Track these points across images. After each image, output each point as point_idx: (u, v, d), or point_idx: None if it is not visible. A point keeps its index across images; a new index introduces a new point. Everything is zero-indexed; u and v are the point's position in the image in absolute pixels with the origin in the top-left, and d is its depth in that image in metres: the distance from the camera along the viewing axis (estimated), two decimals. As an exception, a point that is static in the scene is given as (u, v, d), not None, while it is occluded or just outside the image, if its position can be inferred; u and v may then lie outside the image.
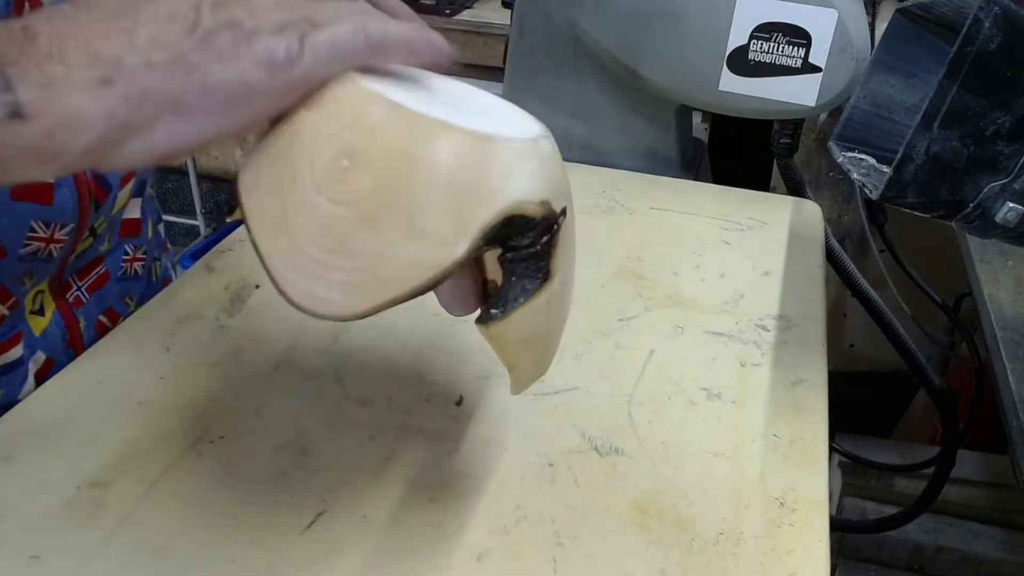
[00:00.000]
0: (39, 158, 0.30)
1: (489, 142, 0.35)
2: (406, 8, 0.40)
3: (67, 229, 0.54)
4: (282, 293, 0.35)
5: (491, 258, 0.39)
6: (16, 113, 0.29)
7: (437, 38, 0.37)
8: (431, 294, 0.37)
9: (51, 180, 0.32)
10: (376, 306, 0.35)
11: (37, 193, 0.51)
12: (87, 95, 0.30)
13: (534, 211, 0.35)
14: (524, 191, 0.35)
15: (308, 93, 0.34)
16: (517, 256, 0.37)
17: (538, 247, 0.36)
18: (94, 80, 0.30)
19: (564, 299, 0.40)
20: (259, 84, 0.32)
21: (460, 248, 0.34)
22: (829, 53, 0.73)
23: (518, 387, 0.40)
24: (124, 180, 0.59)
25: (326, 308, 0.35)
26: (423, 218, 0.34)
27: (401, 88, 0.36)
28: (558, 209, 0.36)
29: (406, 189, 0.34)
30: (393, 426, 0.50)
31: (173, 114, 0.31)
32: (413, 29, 0.36)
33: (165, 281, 0.69)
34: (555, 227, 0.37)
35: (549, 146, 0.37)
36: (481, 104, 0.39)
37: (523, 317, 0.37)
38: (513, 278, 0.37)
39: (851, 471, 1.45)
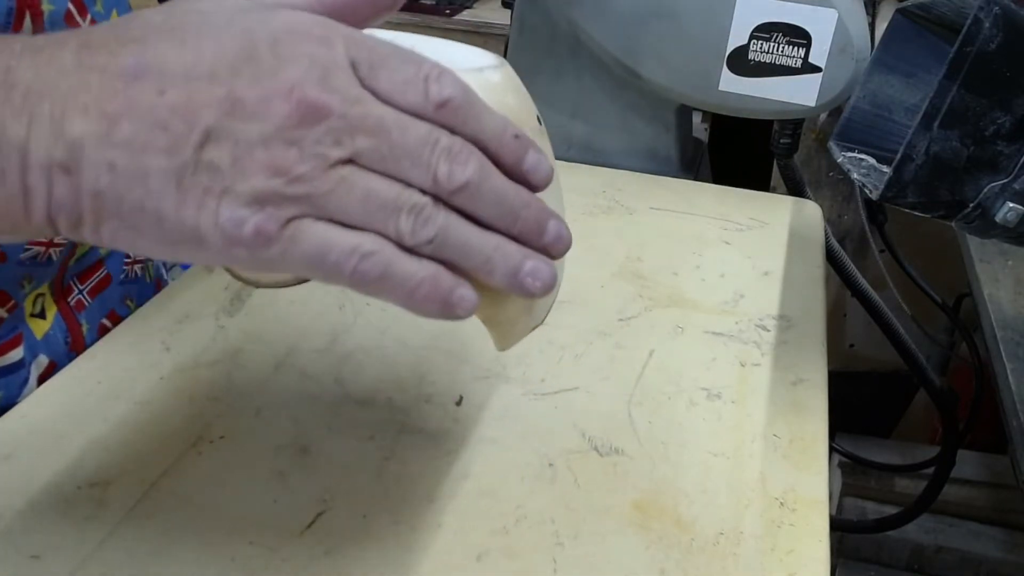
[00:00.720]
0: None
1: None
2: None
3: None
4: (235, 276, 0.35)
5: None
6: None
7: (457, 293, 0.30)
8: None
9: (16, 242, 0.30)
10: None
11: None
12: (42, 178, 0.28)
13: None
14: None
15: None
16: None
17: None
18: (56, 163, 0.28)
19: None
20: (211, 245, 0.28)
21: None
22: (829, 53, 0.73)
23: (502, 343, 0.37)
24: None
25: (275, 277, 0.34)
26: None
27: None
28: None
29: None
30: (393, 426, 0.50)
31: (121, 224, 0.29)
32: (432, 276, 0.30)
33: (157, 280, 0.69)
34: None
35: (499, 76, 0.35)
36: (430, 47, 0.37)
37: None
38: None
39: (851, 471, 1.45)
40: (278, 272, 0.30)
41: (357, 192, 0.29)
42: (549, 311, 0.38)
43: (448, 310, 0.30)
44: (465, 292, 0.30)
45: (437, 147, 0.30)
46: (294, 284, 0.34)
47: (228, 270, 0.35)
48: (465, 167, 0.30)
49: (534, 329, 0.38)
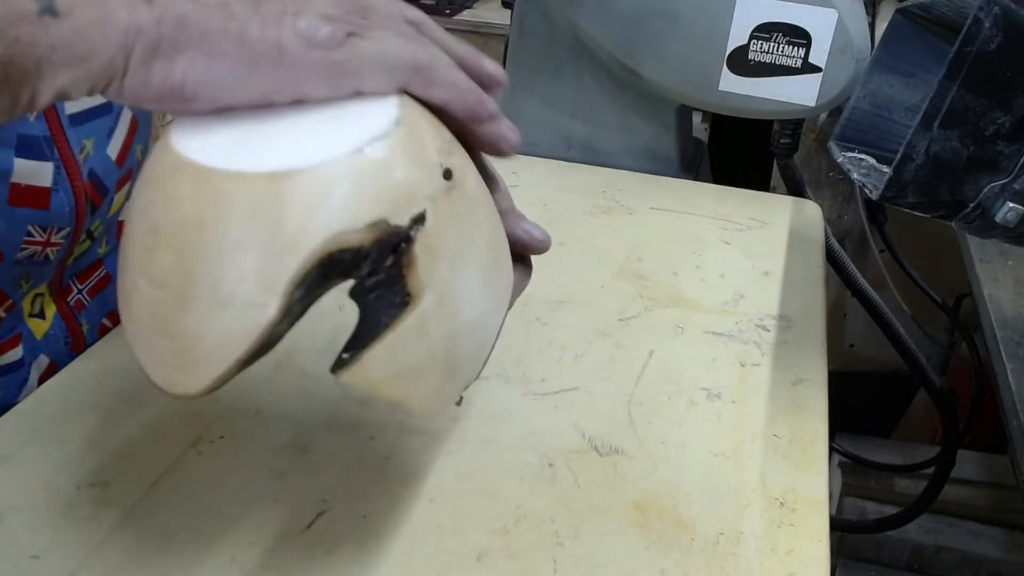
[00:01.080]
0: (67, 60, 0.30)
1: (281, 181, 0.30)
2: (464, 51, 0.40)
3: (63, 233, 0.54)
4: (147, 379, 0.34)
5: None
6: (49, 9, 0.29)
7: (484, 78, 0.38)
8: None
9: (78, 98, 0.32)
10: (214, 381, 0.32)
11: (35, 199, 0.51)
12: (124, 4, 0.31)
13: (359, 239, 0.31)
14: (338, 222, 0.30)
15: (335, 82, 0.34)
16: (361, 289, 0.32)
17: (382, 275, 0.32)
18: None
19: (453, 311, 0.34)
20: (292, 52, 0.32)
21: (271, 309, 0.31)
22: (829, 53, 0.73)
23: (424, 413, 0.35)
24: (120, 183, 0.59)
25: (178, 389, 0.33)
26: (224, 284, 0.30)
27: (226, 129, 0.33)
28: (403, 221, 0.32)
29: (203, 257, 0.31)
30: (393, 426, 0.50)
31: (200, 51, 0.32)
32: (467, 78, 0.37)
33: None
34: (403, 245, 0.32)
35: (382, 151, 0.32)
36: (317, 117, 0.34)
37: (386, 353, 0.32)
38: (366, 311, 0.32)
39: (851, 471, 1.45)
40: (342, 81, 0.33)
41: (390, 30, 0.35)
42: (484, 364, 0.36)
43: (481, 107, 0.37)
44: (489, 98, 0.37)
45: (423, 27, 0.38)
46: (209, 393, 0.33)
47: (147, 376, 0.34)
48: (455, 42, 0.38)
49: (467, 387, 0.36)
